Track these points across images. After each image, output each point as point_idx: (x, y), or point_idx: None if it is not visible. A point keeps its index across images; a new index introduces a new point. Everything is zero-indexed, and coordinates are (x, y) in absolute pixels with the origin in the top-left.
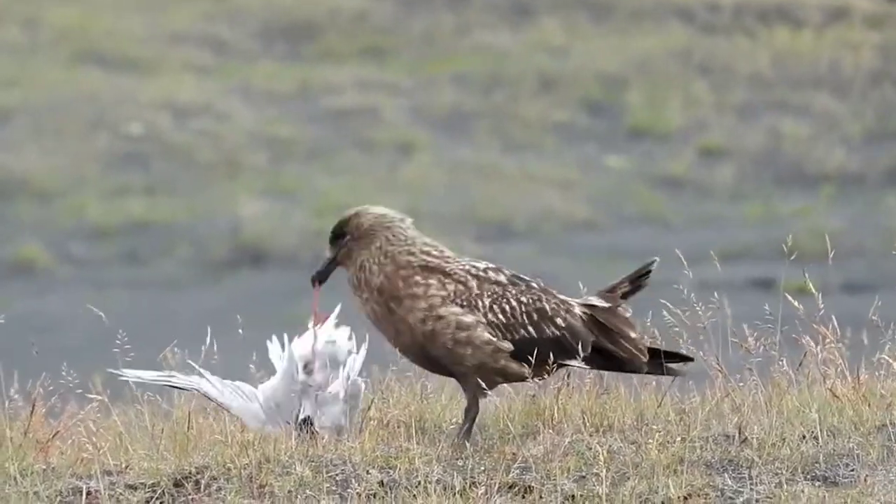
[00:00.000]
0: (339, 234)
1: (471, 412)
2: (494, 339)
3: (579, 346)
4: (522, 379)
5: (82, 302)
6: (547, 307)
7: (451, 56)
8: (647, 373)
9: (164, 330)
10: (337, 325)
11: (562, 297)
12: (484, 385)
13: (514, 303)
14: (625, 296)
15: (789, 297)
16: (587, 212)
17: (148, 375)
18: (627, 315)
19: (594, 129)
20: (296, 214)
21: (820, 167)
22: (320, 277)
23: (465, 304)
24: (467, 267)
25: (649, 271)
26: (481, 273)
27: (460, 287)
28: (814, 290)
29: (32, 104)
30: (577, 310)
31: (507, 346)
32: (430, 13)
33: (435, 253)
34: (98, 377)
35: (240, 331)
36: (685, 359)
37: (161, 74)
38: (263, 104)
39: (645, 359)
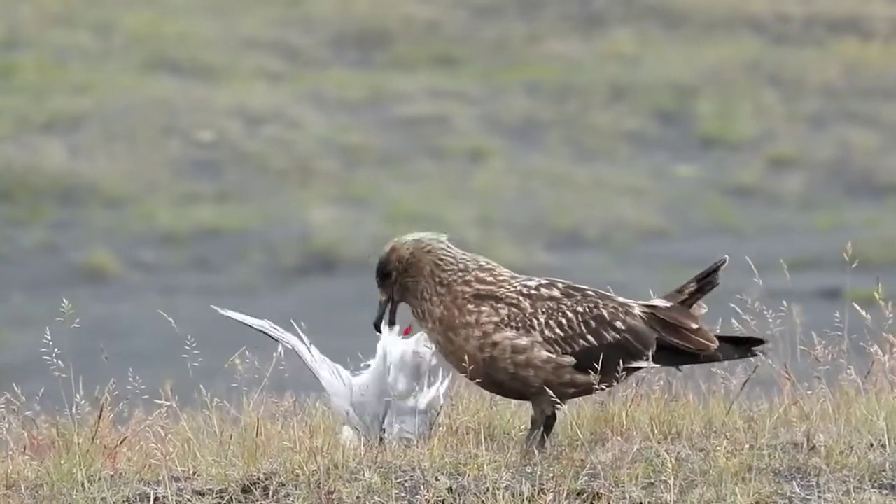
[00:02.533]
0: (385, 274)
1: (537, 422)
2: (554, 356)
3: (643, 346)
4: (592, 389)
5: (152, 308)
6: (604, 312)
7: (522, 65)
8: (724, 359)
9: (234, 336)
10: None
11: (621, 299)
12: (556, 399)
13: (570, 314)
14: (692, 295)
15: (856, 307)
16: (658, 220)
17: (249, 319)
18: (701, 311)
19: (665, 137)
20: (367, 221)
21: (889, 177)
22: (378, 323)
23: (519, 326)
24: (519, 287)
25: (717, 269)
26: (533, 291)
27: (513, 310)
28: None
29: (104, 110)
30: (637, 310)
31: (569, 359)
32: (502, 22)
33: (489, 279)
34: (167, 383)
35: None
36: (758, 342)
37: (233, 81)
38: (335, 111)
39: (714, 346)
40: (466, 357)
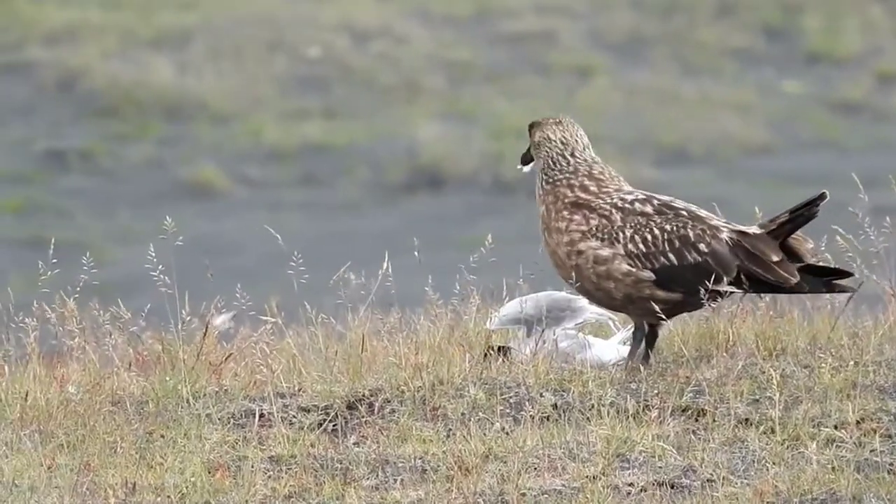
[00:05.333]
0: (530, 134)
1: (637, 334)
2: (634, 270)
3: (723, 271)
4: (682, 305)
5: (258, 224)
6: (690, 234)
7: None
8: (809, 291)
9: (340, 252)
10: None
11: (713, 222)
12: (660, 314)
13: (656, 231)
14: (781, 226)
15: None
16: (764, 136)
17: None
18: (807, 245)
19: (771, 53)
20: (473, 137)
21: None
22: (523, 160)
23: (605, 237)
24: (615, 200)
25: (813, 203)
26: (627, 205)
27: (603, 221)
28: None
29: (211, 26)
30: (725, 235)
31: (648, 275)
32: None
33: (592, 188)
34: (273, 299)
35: (416, 253)
36: (845, 274)
37: None
38: (441, 27)
39: (793, 280)
40: (557, 259)
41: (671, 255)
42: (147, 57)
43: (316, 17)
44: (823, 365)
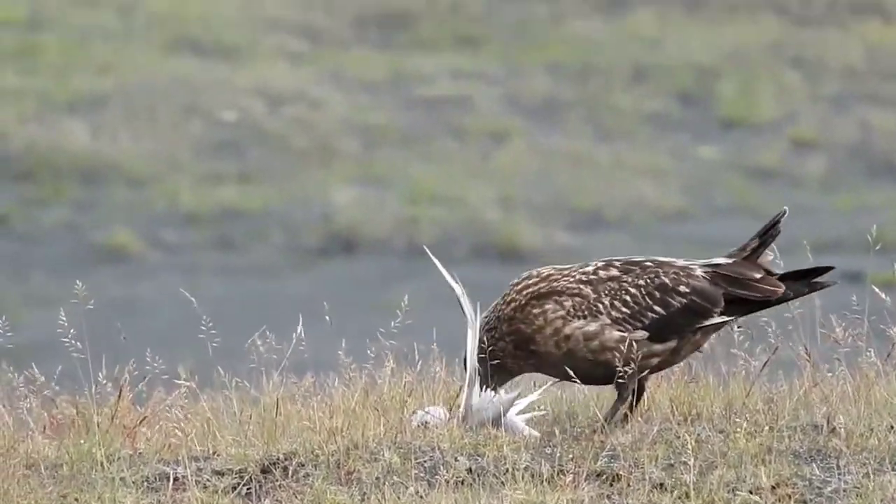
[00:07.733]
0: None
1: (623, 397)
2: (626, 334)
3: (711, 304)
4: (677, 356)
5: (173, 288)
6: (666, 280)
7: (543, 45)
8: (795, 297)
9: (255, 316)
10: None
11: (681, 263)
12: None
13: (633, 290)
14: (754, 251)
15: (876, 289)
16: (679, 202)
17: (448, 277)
18: (768, 258)
19: (686, 119)
20: (388, 202)
21: None
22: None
23: (586, 313)
24: (577, 276)
25: (777, 222)
26: (592, 276)
27: (577, 299)
28: None
29: (126, 90)
30: (699, 271)
31: (641, 333)
32: (524, 2)
33: (534, 279)
34: (187, 363)
35: (327, 318)
36: (823, 270)
37: (255, 61)
38: (356, 91)
39: (780, 290)
40: (552, 360)
41: (657, 307)
42: (62, 121)
43: (231, 80)
44: (738, 430)
